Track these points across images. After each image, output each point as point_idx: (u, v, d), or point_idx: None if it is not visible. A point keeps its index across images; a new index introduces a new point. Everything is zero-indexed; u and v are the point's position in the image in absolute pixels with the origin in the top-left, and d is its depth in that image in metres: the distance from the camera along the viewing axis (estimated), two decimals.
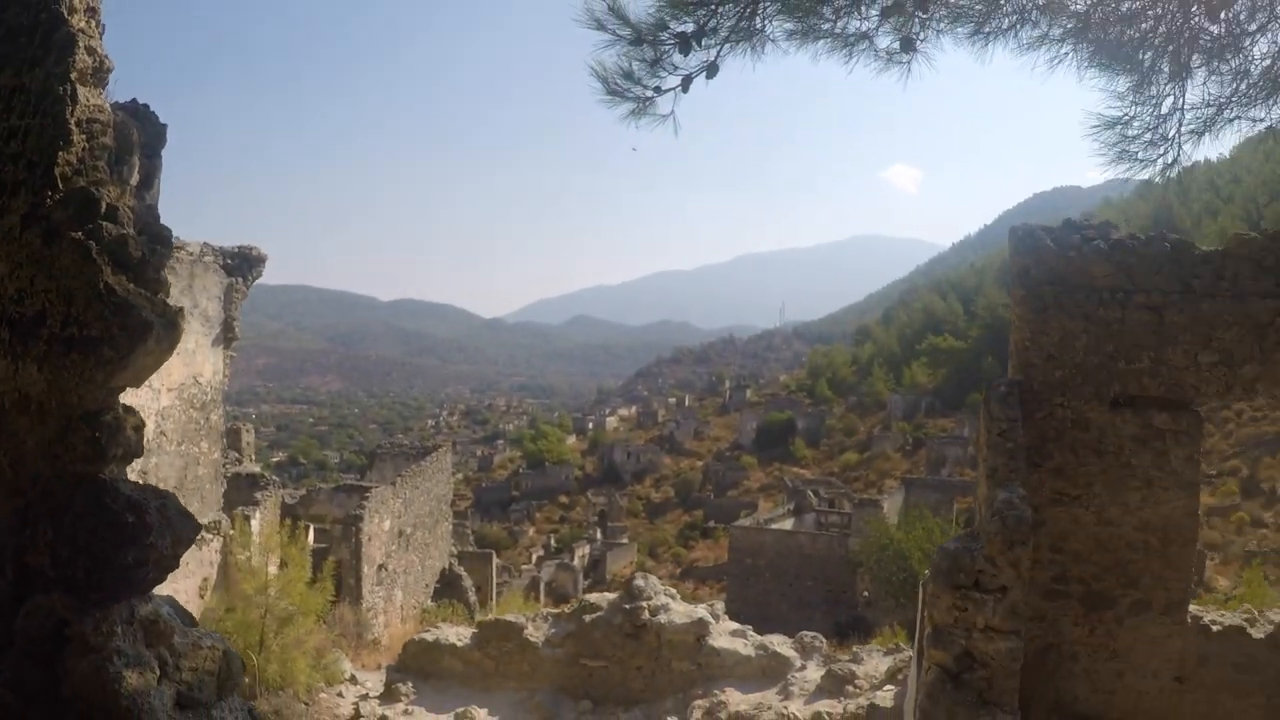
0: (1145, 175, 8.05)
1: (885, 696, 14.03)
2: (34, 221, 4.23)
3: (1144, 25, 7.25)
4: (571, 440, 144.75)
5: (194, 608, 16.02)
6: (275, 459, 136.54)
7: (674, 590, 17.55)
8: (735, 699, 15.11)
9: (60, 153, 4.27)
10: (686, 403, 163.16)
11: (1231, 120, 7.77)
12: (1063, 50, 7.36)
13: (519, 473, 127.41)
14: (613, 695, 15.92)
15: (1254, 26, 7.22)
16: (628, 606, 16.21)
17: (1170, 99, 7.59)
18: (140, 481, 4.42)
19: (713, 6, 6.95)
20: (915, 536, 40.42)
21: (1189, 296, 9.16)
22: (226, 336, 19.19)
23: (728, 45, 7.16)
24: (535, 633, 16.43)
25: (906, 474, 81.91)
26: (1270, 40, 7.28)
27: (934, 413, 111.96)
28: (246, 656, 12.14)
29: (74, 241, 4.08)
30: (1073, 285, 9.30)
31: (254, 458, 30.50)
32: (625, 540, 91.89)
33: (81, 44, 4.41)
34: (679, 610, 16.38)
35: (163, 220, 4.69)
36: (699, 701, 15.11)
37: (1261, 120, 7.85)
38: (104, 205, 4.18)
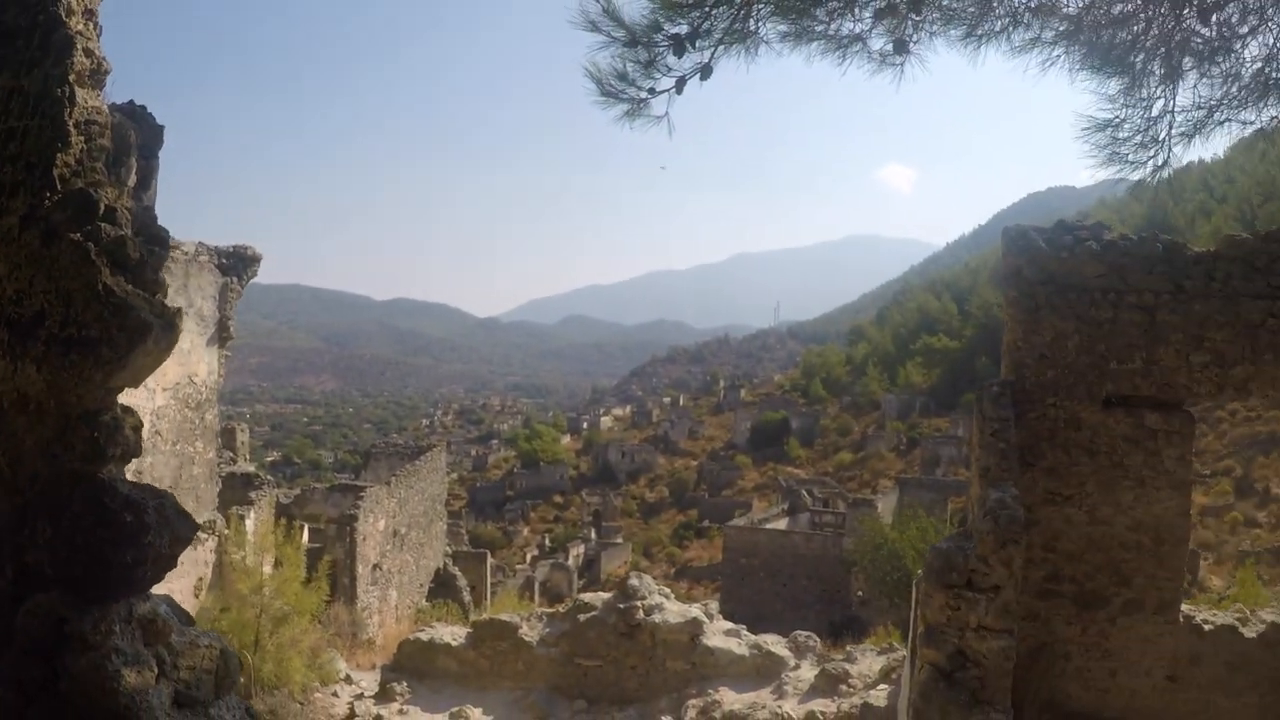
0: (1136, 177, 8.09)
1: (879, 696, 14.07)
2: (33, 222, 4.26)
3: (1136, 27, 7.29)
4: (566, 440, 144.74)
5: (189, 607, 16.01)
6: (269, 458, 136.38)
7: (668, 590, 17.59)
8: (729, 698, 15.15)
9: (59, 154, 4.30)
10: (681, 402, 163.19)
11: (1222, 123, 7.82)
12: (1055, 53, 7.40)
13: (513, 472, 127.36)
14: (607, 694, 15.96)
15: (1245, 29, 7.27)
16: (622, 606, 16.25)
17: (1161, 101, 7.64)
18: (136, 481, 4.45)
19: (707, 8, 6.98)
20: (909, 536, 40.46)
21: (1181, 297, 9.20)
22: (221, 336, 19.20)
23: (721, 47, 7.19)
24: (530, 632, 16.46)
25: (901, 474, 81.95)
26: (1261, 43, 7.33)
27: (928, 412, 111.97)
28: (241, 656, 12.15)
29: (73, 243, 4.11)
30: (1065, 285, 9.34)
31: (248, 457, 30.52)
32: (620, 540, 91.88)
33: (80, 46, 4.44)
34: (673, 610, 16.41)
35: (158, 220, 4.72)
36: (693, 701, 15.15)
37: (1252, 123, 7.90)
38: (102, 207, 4.21)
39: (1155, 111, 7.69)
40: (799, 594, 51.83)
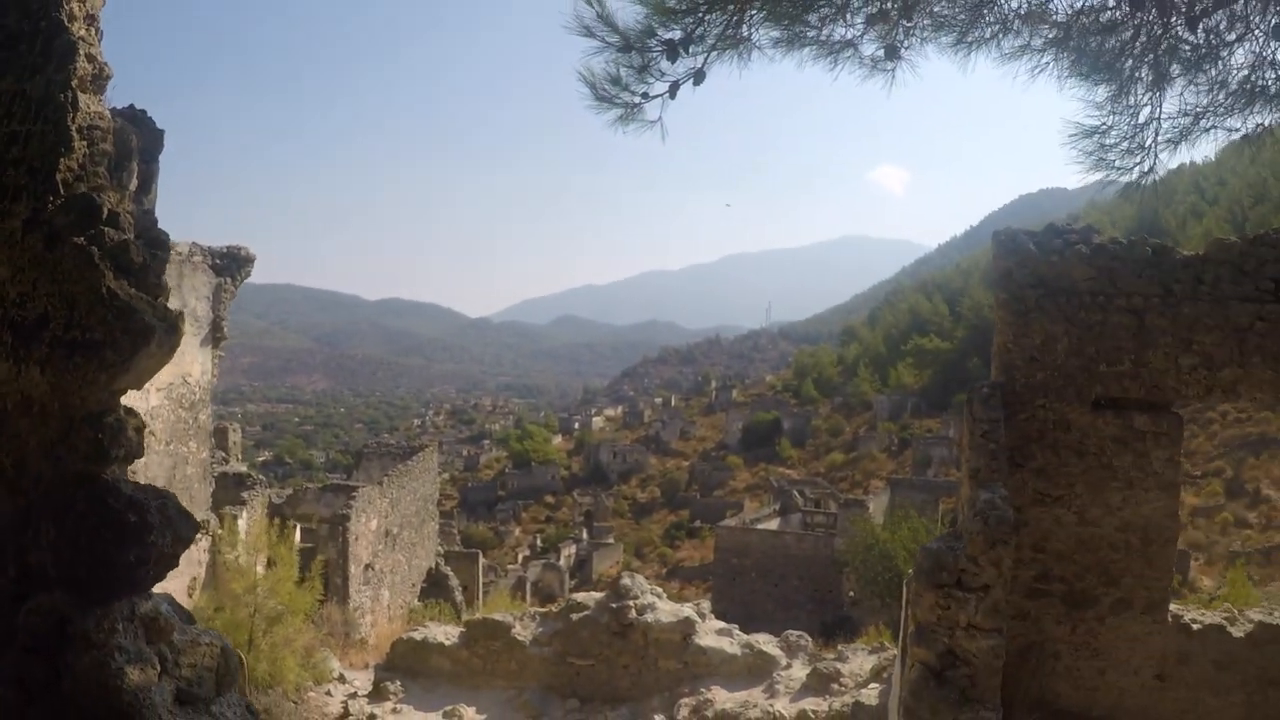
0: (1122, 182, 8.16)
1: (870, 694, 14.14)
2: (36, 226, 4.30)
3: (1124, 34, 7.37)
4: (557, 440, 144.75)
5: None
6: (261, 458, 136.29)
7: (660, 590, 17.64)
8: (721, 697, 15.21)
9: (61, 159, 4.35)
10: (673, 403, 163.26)
11: (1208, 130, 7.90)
12: (1044, 60, 7.47)
13: (505, 472, 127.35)
14: (600, 693, 16.01)
15: (1232, 36, 7.34)
16: (615, 605, 16.30)
17: (1148, 108, 7.72)
18: (138, 482, 4.50)
19: (700, 14, 7.04)
20: (900, 536, 40.53)
21: (1169, 300, 9.27)
22: (215, 336, 19.23)
23: (715, 52, 7.26)
24: (523, 632, 16.51)
25: (892, 474, 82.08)
26: (1248, 50, 7.41)
27: (919, 413, 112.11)
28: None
29: (76, 247, 4.16)
30: (1055, 288, 9.41)
31: (240, 457, 30.52)
32: (611, 540, 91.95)
33: (82, 52, 4.49)
34: (665, 609, 16.47)
35: (158, 223, 4.78)
36: (685, 700, 15.21)
37: (1238, 130, 7.98)
38: (105, 211, 4.26)
39: (1142, 118, 7.77)
40: (790, 594, 51.91)
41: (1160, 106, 7.71)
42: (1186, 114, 7.78)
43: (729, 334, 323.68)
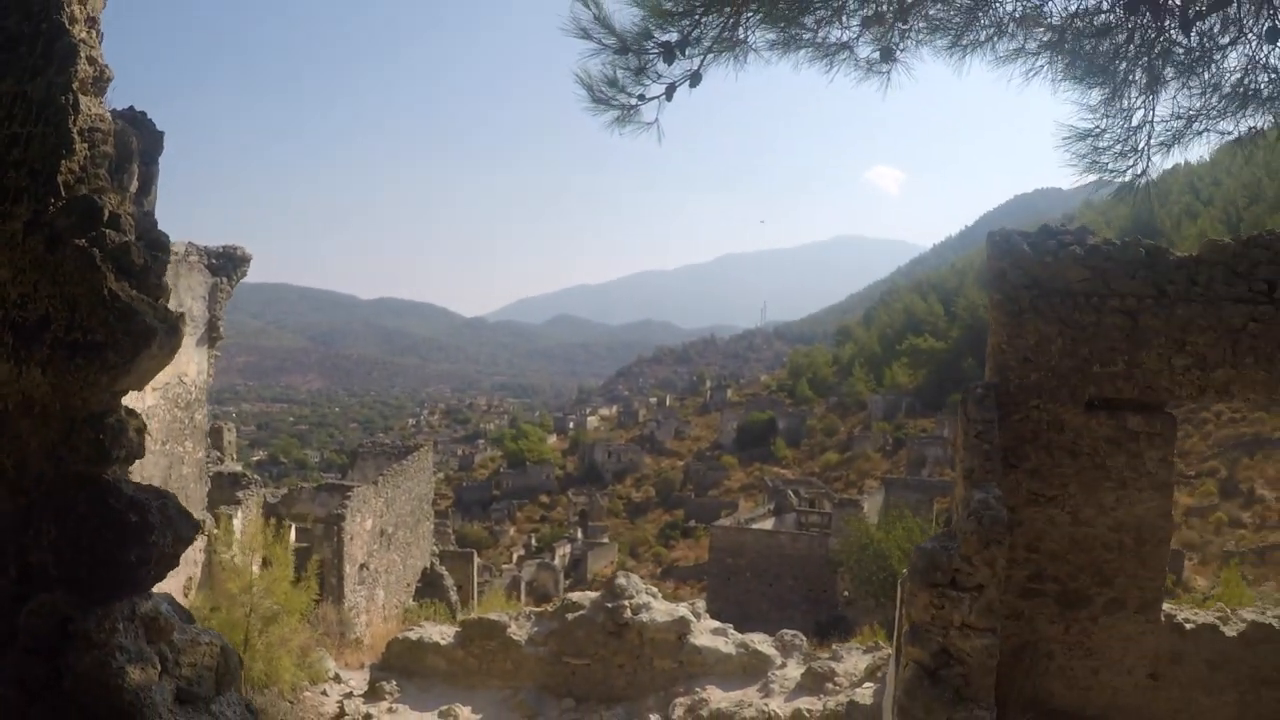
0: (1115, 185, 8.21)
1: (864, 694, 14.18)
2: (37, 228, 4.32)
3: (1119, 37, 7.41)
4: (552, 440, 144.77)
5: None
6: (255, 458, 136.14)
7: (655, 589, 17.67)
8: (716, 696, 15.25)
9: (63, 161, 4.37)
10: (667, 402, 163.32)
11: (1200, 133, 7.94)
12: (1038, 63, 7.51)
13: (500, 472, 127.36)
14: (595, 693, 16.04)
15: (1226, 39, 7.38)
16: (610, 605, 16.33)
17: (1141, 112, 7.76)
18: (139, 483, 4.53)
19: (696, 17, 7.06)
20: (895, 536, 40.60)
21: (1163, 301, 9.30)
22: (211, 336, 19.24)
23: (711, 55, 7.29)
24: (518, 631, 16.53)
25: (887, 474, 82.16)
26: (1241, 53, 7.45)
27: (914, 413, 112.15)
28: None
29: (78, 249, 4.18)
30: (1049, 289, 9.44)
31: (235, 457, 30.53)
32: (606, 540, 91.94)
33: (83, 54, 4.51)
34: (661, 609, 16.50)
35: (158, 225, 4.80)
36: (681, 699, 15.24)
37: (1230, 133, 8.02)
38: (106, 213, 4.28)
39: (1135, 121, 7.81)
40: (785, 594, 51.96)
41: (1153, 110, 7.75)
42: (1179, 117, 7.82)
43: (724, 334, 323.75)
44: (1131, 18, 7.23)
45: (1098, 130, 7.87)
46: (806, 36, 7.35)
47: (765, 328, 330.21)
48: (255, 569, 16.18)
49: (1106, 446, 9.49)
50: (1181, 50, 7.47)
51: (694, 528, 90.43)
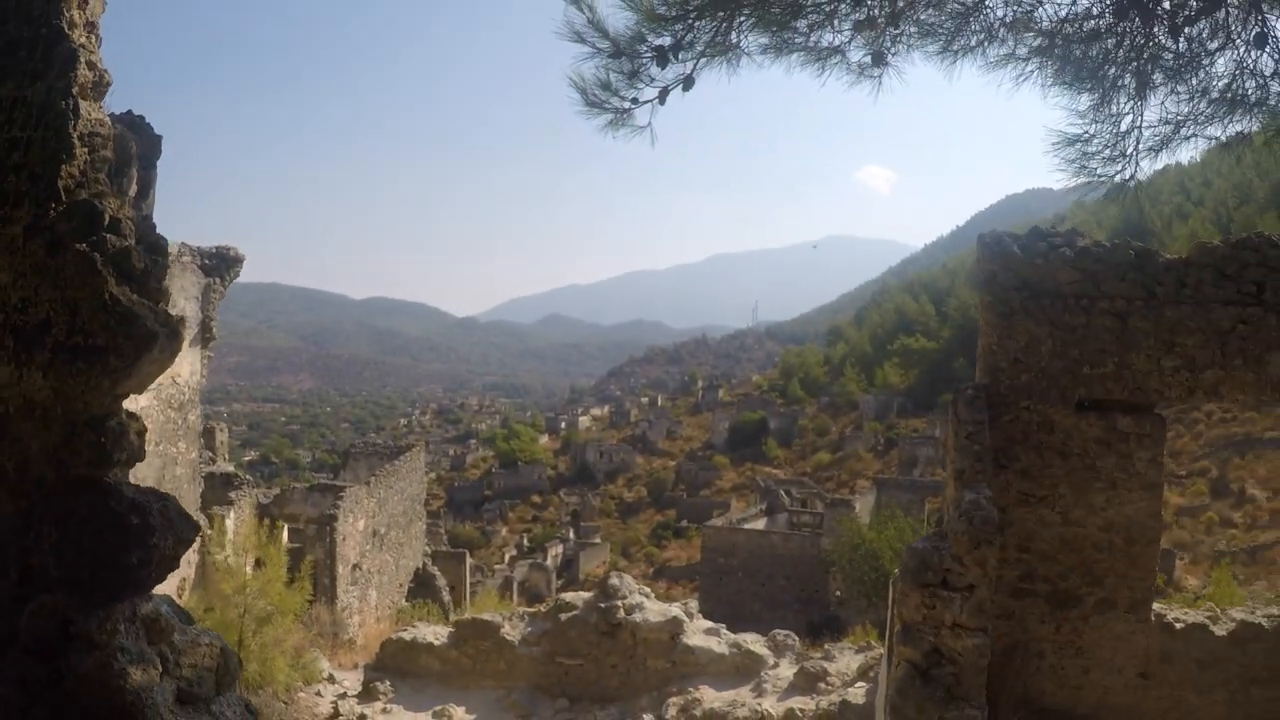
0: (1104, 190, 8.27)
1: (857, 693, 14.23)
2: (37, 232, 4.34)
3: (1108, 42, 7.47)
4: (544, 440, 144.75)
5: None
6: (247, 458, 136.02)
7: (648, 589, 17.72)
8: (710, 696, 15.29)
9: (63, 165, 4.39)
10: (659, 402, 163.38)
11: (1188, 138, 8.02)
12: (1028, 68, 7.58)
13: (491, 472, 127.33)
14: (589, 693, 16.08)
15: (1215, 45, 7.45)
16: (603, 605, 16.37)
17: (1129, 117, 7.83)
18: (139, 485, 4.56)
19: (690, 21, 7.11)
20: (887, 536, 40.67)
21: (1152, 303, 9.36)
22: (204, 337, 19.25)
23: (704, 59, 7.34)
24: (512, 631, 16.57)
25: (878, 474, 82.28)
26: (1229, 59, 7.51)
27: (906, 413, 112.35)
28: None
29: (78, 253, 4.21)
30: (1039, 291, 9.50)
31: (227, 457, 30.52)
32: (598, 540, 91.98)
33: (83, 59, 4.53)
34: (654, 609, 16.55)
35: (156, 229, 4.83)
36: (674, 699, 15.29)
37: (1217, 138, 8.10)
38: (107, 218, 4.31)
39: (1123, 127, 7.87)
40: (777, 594, 52.03)
41: (1142, 115, 7.82)
42: (1168, 122, 7.89)
43: (715, 334, 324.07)
44: (1121, 23, 7.29)
45: (1086, 136, 7.94)
46: (799, 40, 7.40)
47: (757, 328, 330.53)
48: (248, 570, 16.20)
49: (1096, 447, 9.55)
50: (1170, 55, 7.53)
51: (686, 528, 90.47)
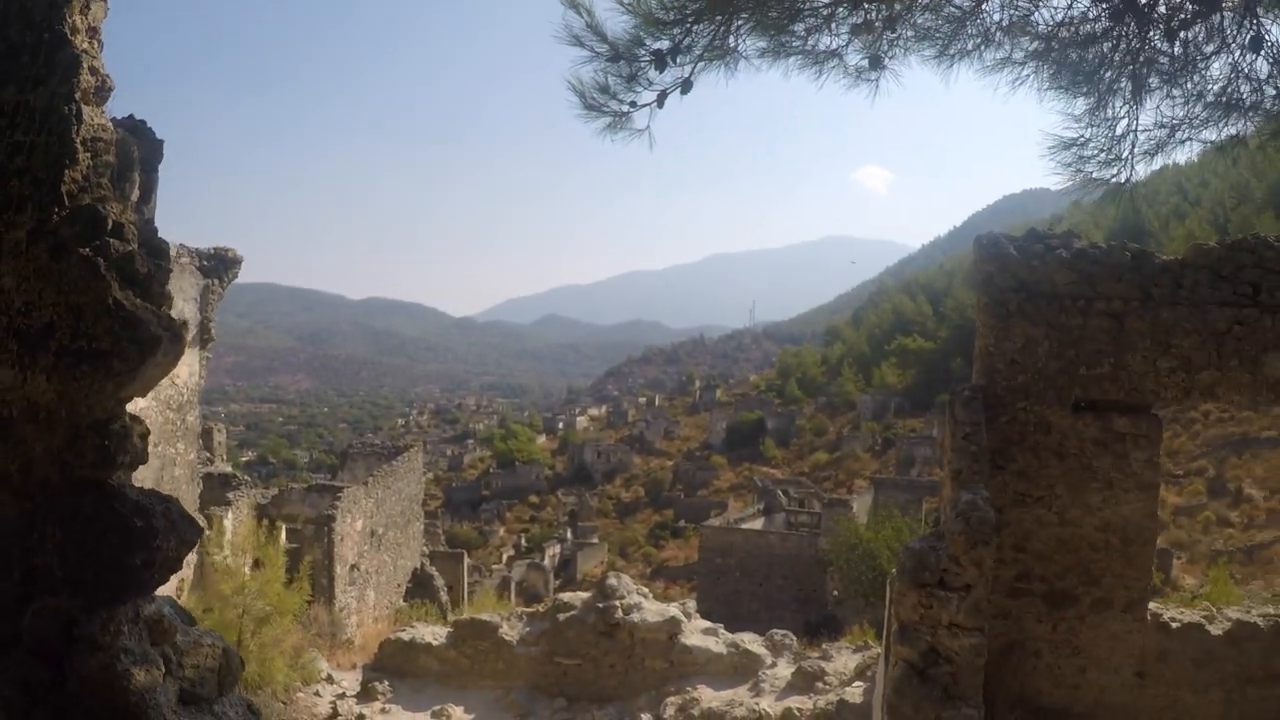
0: (1099, 193, 8.32)
1: (854, 693, 14.27)
2: (41, 237, 4.37)
3: (1104, 46, 7.51)
4: (541, 440, 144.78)
5: None
6: (244, 458, 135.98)
7: (646, 589, 17.76)
8: (707, 696, 15.33)
9: (66, 170, 4.41)
10: (656, 402, 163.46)
11: (1183, 142, 8.07)
12: (1024, 73, 7.62)
13: (489, 472, 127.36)
14: (587, 693, 16.12)
15: (1210, 48, 7.49)
16: (601, 605, 16.41)
17: (1125, 121, 7.86)
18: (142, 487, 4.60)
19: (688, 25, 7.15)
20: (884, 536, 40.68)
21: (1149, 304, 9.40)
22: (202, 338, 19.28)
23: (702, 63, 7.37)
24: (510, 631, 16.60)
25: (876, 474, 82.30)
26: (1224, 63, 7.56)
27: (903, 413, 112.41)
28: None
29: (82, 258, 4.23)
30: (1035, 292, 9.54)
31: (225, 457, 30.54)
32: (596, 540, 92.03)
33: (85, 64, 4.56)
34: (651, 609, 16.58)
35: (158, 233, 4.86)
36: (672, 698, 15.32)
37: (1212, 141, 8.15)
38: (110, 222, 4.33)
39: (1119, 131, 7.91)
40: (775, 593, 52.06)
41: (1137, 119, 7.86)
42: (1163, 126, 7.93)
43: (713, 334, 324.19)
44: (1117, 27, 7.33)
45: (1082, 140, 7.98)
46: (796, 44, 7.44)
47: (754, 328, 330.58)
48: (247, 570, 16.23)
49: (1093, 448, 9.59)
50: (1166, 59, 7.57)
51: (683, 528, 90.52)
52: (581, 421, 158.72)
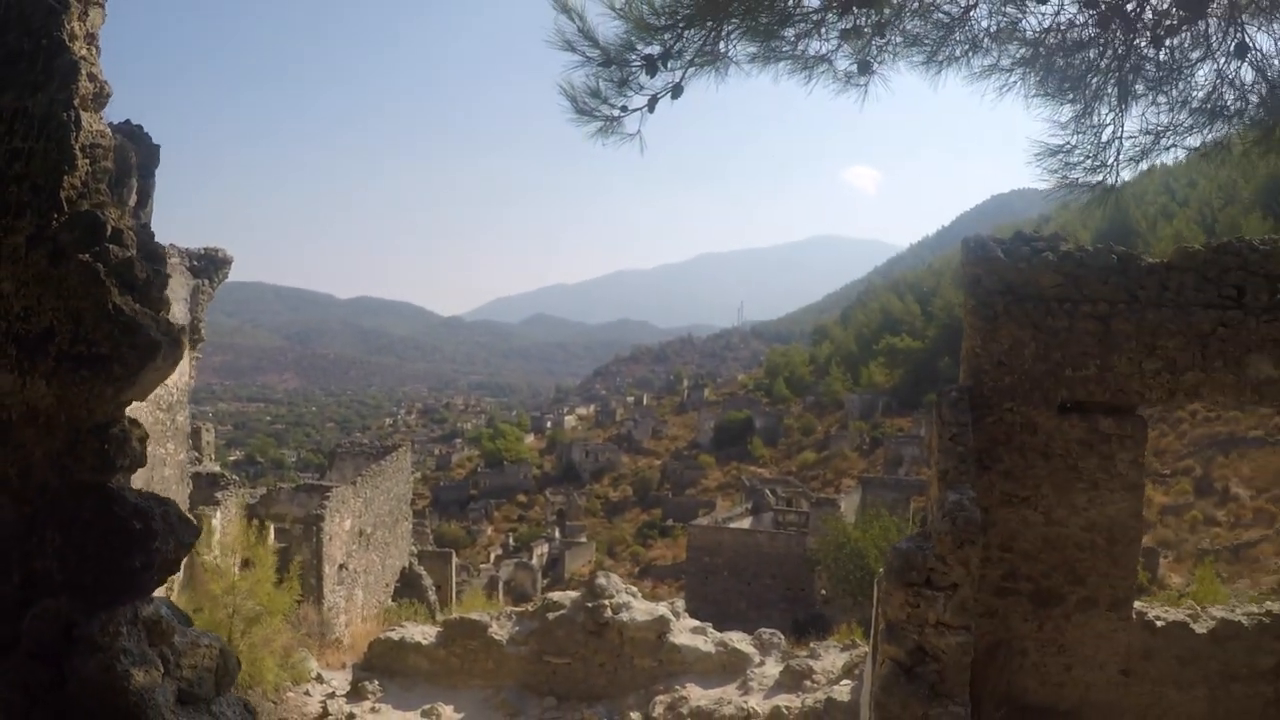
0: (1085, 199, 8.39)
1: (842, 691, 14.35)
2: (40, 242, 4.39)
3: (1091, 53, 7.59)
4: (529, 439, 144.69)
5: None
6: (232, 457, 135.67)
7: (635, 589, 17.82)
8: (696, 694, 15.40)
9: (65, 176, 4.43)
10: (645, 402, 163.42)
11: (1168, 148, 8.15)
12: (1011, 79, 7.69)
13: (477, 471, 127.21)
14: (576, 691, 16.18)
15: (1196, 55, 7.56)
16: (590, 604, 16.47)
17: (1110, 128, 7.94)
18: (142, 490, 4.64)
19: (679, 30, 7.20)
20: (872, 535, 40.75)
21: (1134, 306, 9.49)
22: (192, 338, 19.27)
23: (693, 67, 7.43)
24: (500, 631, 16.66)
25: (863, 473, 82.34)
26: (1210, 69, 7.63)
27: (891, 412, 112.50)
28: None
29: (82, 263, 4.26)
30: (1022, 295, 9.62)
31: (213, 457, 30.54)
32: (584, 539, 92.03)
33: (84, 71, 4.59)
34: (640, 608, 16.65)
35: (154, 238, 4.89)
36: (661, 697, 15.38)
37: (1196, 149, 8.24)
38: (109, 228, 4.36)
39: (1105, 138, 7.98)
40: (763, 592, 52.13)
41: (1122, 126, 7.94)
42: (1148, 132, 8.01)
43: (701, 333, 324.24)
44: (1103, 34, 7.40)
45: (1068, 147, 8.06)
46: (786, 49, 7.49)
47: (742, 327, 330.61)
48: (236, 570, 16.25)
49: (1078, 448, 9.68)
50: (1152, 65, 7.65)
51: (671, 527, 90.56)
52: (569, 421, 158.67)
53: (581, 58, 7.43)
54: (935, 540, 8.10)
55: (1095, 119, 7.88)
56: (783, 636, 17.57)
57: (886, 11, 7.29)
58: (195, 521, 4.69)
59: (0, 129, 4.55)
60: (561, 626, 16.41)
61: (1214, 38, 7.43)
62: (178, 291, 18.72)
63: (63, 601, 4.29)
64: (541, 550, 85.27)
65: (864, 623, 21.50)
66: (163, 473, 18.22)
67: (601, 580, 17.12)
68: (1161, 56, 7.60)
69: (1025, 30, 7.57)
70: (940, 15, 7.44)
